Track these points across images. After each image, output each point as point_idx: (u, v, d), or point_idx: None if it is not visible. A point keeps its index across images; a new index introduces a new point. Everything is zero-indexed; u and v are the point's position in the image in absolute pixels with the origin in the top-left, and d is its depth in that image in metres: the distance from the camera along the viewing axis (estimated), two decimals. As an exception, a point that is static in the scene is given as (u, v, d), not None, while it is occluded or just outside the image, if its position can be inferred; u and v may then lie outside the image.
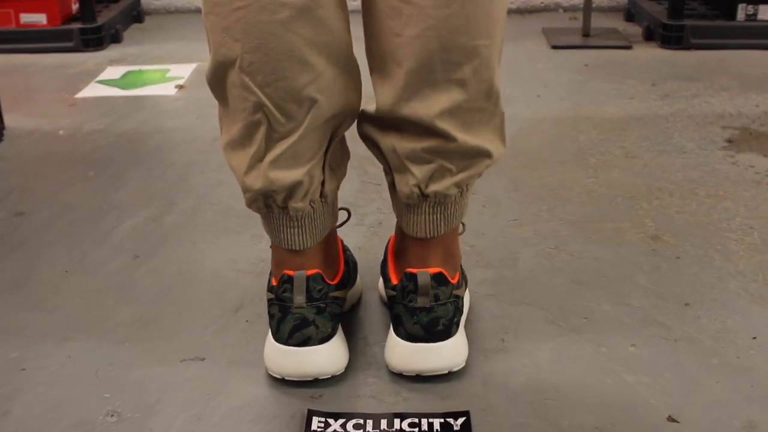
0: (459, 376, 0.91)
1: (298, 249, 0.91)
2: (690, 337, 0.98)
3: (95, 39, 2.39)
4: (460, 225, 0.95)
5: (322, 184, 0.90)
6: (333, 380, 0.91)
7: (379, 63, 0.85)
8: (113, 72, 2.18)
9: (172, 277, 1.14)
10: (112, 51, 2.40)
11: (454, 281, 0.90)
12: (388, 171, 0.91)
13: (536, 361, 0.94)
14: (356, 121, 0.92)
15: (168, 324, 1.03)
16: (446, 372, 0.90)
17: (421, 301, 0.88)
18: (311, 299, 0.89)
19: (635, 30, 2.51)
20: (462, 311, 0.93)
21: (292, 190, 0.87)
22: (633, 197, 1.36)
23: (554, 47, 2.35)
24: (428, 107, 0.83)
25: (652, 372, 0.92)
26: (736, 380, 0.90)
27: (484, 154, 0.88)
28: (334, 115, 0.86)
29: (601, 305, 1.05)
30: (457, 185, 0.88)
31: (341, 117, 0.88)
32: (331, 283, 0.91)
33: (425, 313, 0.88)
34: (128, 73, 2.17)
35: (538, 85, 2.00)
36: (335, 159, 0.91)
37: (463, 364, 0.91)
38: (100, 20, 2.43)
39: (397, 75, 0.83)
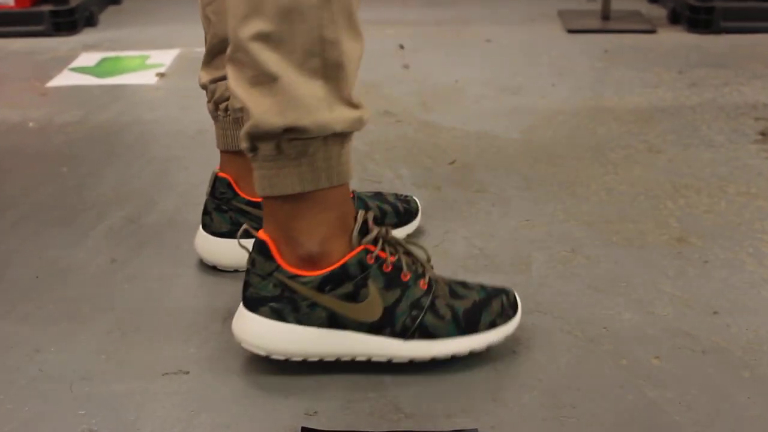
0: (467, 391, 0.91)
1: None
2: (719, 348, 0.99)
3: (68, 22, 2.40)
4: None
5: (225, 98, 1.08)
6: (328, 395, 0.91)
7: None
8: (88, 59, 2.18)
9: (152, 283, 1.14)
10: (86, 35, 2.41)
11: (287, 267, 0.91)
12: None
13: (551, 374, 0.94)
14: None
15: (148, 334, 1.03)
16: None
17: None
18: (214, 196, 1.12)
19: (659, 12, 2.52)
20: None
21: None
22: (656, 195, 1.36)
23: (571, 31, 2.36)
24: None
25: (677, 386, 0.92)
26: (769, 395, 0.91)
27: None
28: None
29: (622, 313, 1.05)
30: None
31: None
32: (243, 195, 1.10)
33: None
34: (104, 59, 2.17)
35: (553, 74, 2.00)
36: None
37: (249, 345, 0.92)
38: (74, 2, 2.43)
39: None
